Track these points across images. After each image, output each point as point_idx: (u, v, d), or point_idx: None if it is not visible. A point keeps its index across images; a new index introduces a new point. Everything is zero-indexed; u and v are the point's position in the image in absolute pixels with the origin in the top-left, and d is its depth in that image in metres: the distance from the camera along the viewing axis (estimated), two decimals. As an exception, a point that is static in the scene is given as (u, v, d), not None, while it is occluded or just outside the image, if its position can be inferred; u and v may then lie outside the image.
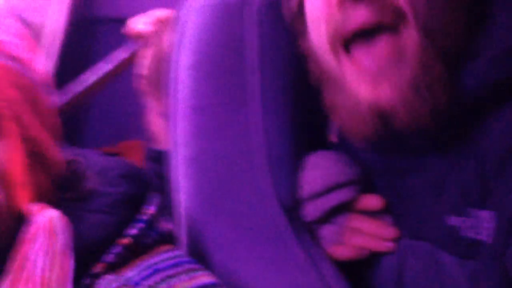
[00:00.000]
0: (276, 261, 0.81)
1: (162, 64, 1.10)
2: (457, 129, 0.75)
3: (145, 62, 1.09)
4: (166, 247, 0.75)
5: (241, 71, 0.82)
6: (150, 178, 0.80)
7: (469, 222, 0.74)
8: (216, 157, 0.83)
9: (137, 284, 0.70)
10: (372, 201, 0.83)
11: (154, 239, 0.74)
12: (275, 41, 0.83)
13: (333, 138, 0.86)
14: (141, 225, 0.73)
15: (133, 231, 0.73)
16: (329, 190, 0.82)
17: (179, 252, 0.75)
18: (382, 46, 0.72)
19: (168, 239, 0.76)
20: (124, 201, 0.74)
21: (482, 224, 0.73)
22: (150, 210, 0.75)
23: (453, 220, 0.76)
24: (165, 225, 0.76)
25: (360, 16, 0.72)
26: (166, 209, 0.78)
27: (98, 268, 0.71)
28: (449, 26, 0.73)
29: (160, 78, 1.11)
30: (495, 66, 0.72)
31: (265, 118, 0.83)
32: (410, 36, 0.72)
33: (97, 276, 0.71)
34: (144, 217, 0.74)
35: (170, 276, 0.71)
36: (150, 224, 0.74)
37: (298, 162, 0.84)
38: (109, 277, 0.71)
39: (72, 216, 0.70)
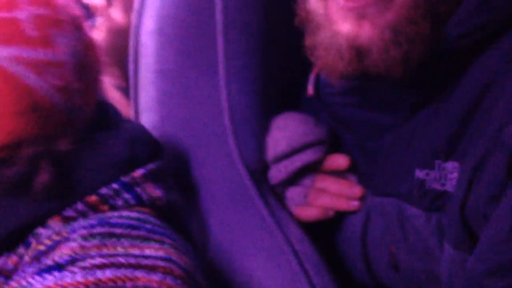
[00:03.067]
0: (243, 225, 0.81)
1: (115, 35, 1.10)
2: (430, 83, 0.77)
3: (100, 35, 1.08)
4: (139, 208, 0.72)
5: (207, 34, 0.82)
6: (160, 145, 0.77)
7: (435, 174, 0.75)
8: (181, 123, 0.83)
9: (73, 231, 0.66)
10: (338, 161, 0.84)
11: (128, 201, 0.71)
12: (239, 1, 0.83)
13: (310, 90, 0.86)
14: (115, 186, 0.71)
15: (104, 190, 0.70)
16: (294, 151, 0.83)
17: (149, 218, 0.71)
18: None
19: (150, 204, 0.73)
20: (118, 163, 0.72)
21: (446, 175, 0.74)
22: (136, 173, 0.72)
23: (420, 173, 0.77)
24: (152, 191, 0.73)
25: None
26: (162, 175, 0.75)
27: (53, 220, 0.69)
28: None
29: (114, 50, 1.10)
30: (474, 12, 0.73)
31: (228, 80, 0.82)
32: None
33: (46, 226, 0.69)
34: (125, 179, 0.72)
35: (111, 235, 0.66)
36: (127, 186, 0.71)
37: (264, 124, 0.84)
38: (55, 227, 0.68)
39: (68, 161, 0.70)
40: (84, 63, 0.72)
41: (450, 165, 0.74)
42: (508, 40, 0.74)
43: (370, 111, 0.81)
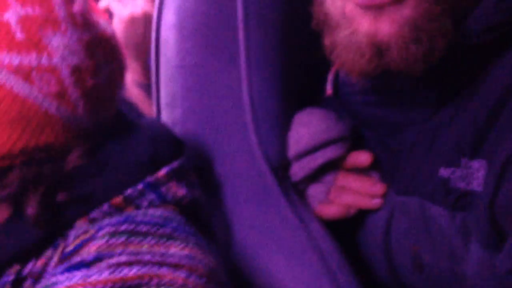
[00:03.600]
0: (265, 222, 0.81)
1: (131, 31, 1.09)
2: (454, 80, 0.76)
3: (117, 29, 1.08)
4: (164, 206, 0.71)
5: (228, 27, 0.81)
6: (182, 143, 0.75)
7: (460, 172, 0.75)
8: (203, 118, 0.82)
9: (100, 229, 0.66)
10: (361, 158, 0.83)
11: (152, 201, 0.70)
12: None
13: (329, 90, 0.86)
14: (140, 186, 0.70)
15: (129, 191, 0.69)
16: (316, 148, 0.82)
17: (175, 216, 0.70)
18: None
19: (175, 203, 0.72)
20: (141, 163, 0.70)
21: (473, 174, 0.74)
22: (160, 172, 0.71)
23: (444, 172, 0.76)
24: (177, 190, 0.72)
25: None
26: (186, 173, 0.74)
27: (80, 221, 0.68)
28: None
29: (132, 46, 1.09)
30: (497, 7, 0.72)
31: (250, 75, 0.81)
32: None
33: (73, 227, 0.68)
34: (149, 180, 0.70)
35: (137, 233, 0.65)
36: (152, 186, 0.70)
37: (287, 120, 0.84)
38: (83, 227, 0.68)
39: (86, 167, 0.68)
40: (85, 66, 0.68)
41: (477, 163, 0.73)
42: None
43: (391, 109, 0.80)
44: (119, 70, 0.73)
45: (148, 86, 1.01)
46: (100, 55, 0.69)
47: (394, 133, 0.81)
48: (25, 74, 0.65)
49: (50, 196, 0.68)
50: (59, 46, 0.66)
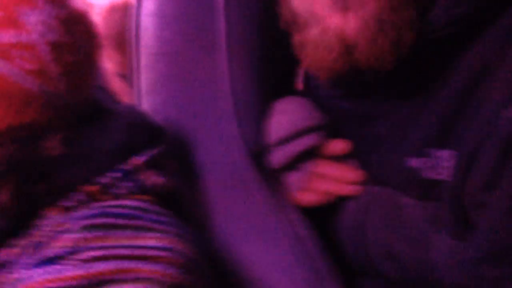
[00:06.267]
0: (244, 209, 0.81)
1: (112, 20, 1.09)
2: (421, 71, 0.76)
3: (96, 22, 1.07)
4: (141, 197, 0.70)
5: (206, 16, 0.81)
6: (161, 130, 0.75)
7: (430, 163, 0.75)
8: (183, 106, 0.82)
9: (75, 221, 0.65)
10: (338, 146, 0.83)
11: (130, 189, 0.69)
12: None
13: (300, 85, 0.86)
14: (116, 174, 0.69)
15: (105, 179, 0.68)
16: (295, 135, 0.83)
17: (153, 207, 0.69)
18: None
19: (152, 192, 0.71)
20: (117, 150, 0.70)
21: (442, 164, 0.74)
22: (137, 160, 0.70)
23: (414, 162, 0.77)
24: (155, 178, 0.71)
25: None
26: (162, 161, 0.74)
27: (53, 210, 0.67)
28: None
29: (112, 36, 1.09)
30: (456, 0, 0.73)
31: (231, 63, 0.82)
32: None
33: (45, 216, 0.67)
34: (125, 167, 0.69)
35: (113, 226, 0.64)
36: (128, 174, 0.69)
37: (265, 108, 0.84)
38: (56, 217, 0.67)
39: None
40: (64, 42, 0.67)
41: (446, 153, 0.74)
42: (500, 27, 0.73)
43: (358, 102, 0.81)
44: (96, 48, 0.72)
45: (129, 76, 1.01)
46: (77, 32, 0.69)
47: (363, 124, 0.82)
48: (4, 51, 0.65)
49: (25, 183, 0.67)
50: (37, 22, 0.66)
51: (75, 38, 0.69)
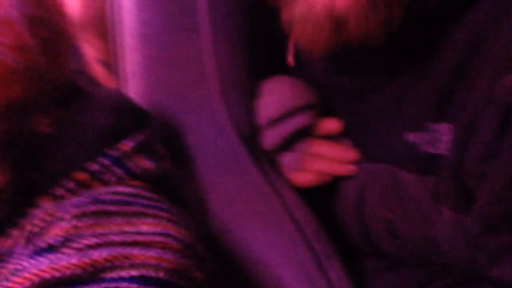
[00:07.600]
0: (239, 192, 0.79)
1: (90, 6, 1.06)
2: (414, 46, 0.75)
3: (74, 8, 1.04)
4: (132, 182, 0.69)
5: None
6: (148, 113, 0.73)
7: (428, 137, 0.75)
8: (168, 88, 0.80)
9: (67, 210, 0.64)
10: (331, 125, 0.82)
11: (120, 176, 0.68)
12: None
13: (290, 61, 0.85)
14: (106, 161, 0.68)
15: (94, 166, 0.67)
16: (285, 116, 0.81)
17: (145, 192, 0.68)
18: None
19: (144, 177, 0.70)
20: (104, 132, 0.68)
21: (440, 138, 0.74)
22: (126, 146, 0.69)
23: (412, 137, 0.76)
24: (145, 164, 0.70)
25: None
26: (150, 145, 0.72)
27: (43, 199, 0.66)
28: None
29: (91, 22, 1.06)
30: None
31: (215, 43, 0.79)
32: None
33: (37, 206, 0.66)
34: (114, 153, 0.68)
35: (105, 213, 0.64)
36: (118, 160, 0.68)
37: (254, 88, 0.82)
38: (48, 206, 0.66)
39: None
40: (38, 16, 0.66)
41: (444, 127, 0.73)
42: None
43: (351, 76, 0.79)
44: (69, 25, 0.72)
45: (110, 64, 0.99)
46: (50, 7, 0.69)
47: (357, 100, 0.80)
48: None
49: (20, 166, 0.66)
50: None
51: (49, 12, 0.68)
